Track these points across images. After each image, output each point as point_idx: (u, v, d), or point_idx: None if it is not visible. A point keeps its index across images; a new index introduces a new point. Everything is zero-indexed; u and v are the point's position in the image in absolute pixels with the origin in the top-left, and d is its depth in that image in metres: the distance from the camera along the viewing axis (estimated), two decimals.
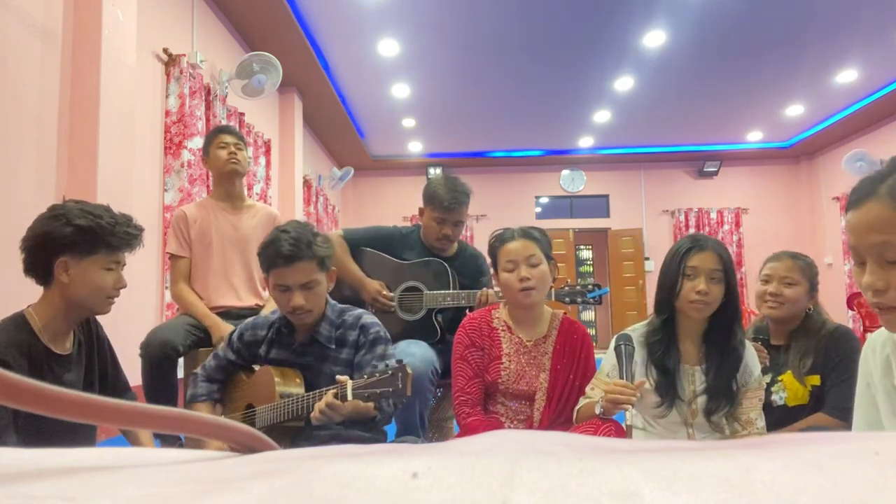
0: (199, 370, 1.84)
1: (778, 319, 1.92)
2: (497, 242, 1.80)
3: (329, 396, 1.44)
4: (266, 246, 1.64)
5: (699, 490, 0.20)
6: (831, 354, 1.82)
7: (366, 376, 1.44)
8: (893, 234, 0.83)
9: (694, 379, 1.59)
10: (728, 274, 1.54)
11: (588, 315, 11.13)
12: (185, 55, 4.08)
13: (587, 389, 1.66)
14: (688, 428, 1.58)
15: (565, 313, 1.90)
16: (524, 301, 1.74)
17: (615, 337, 1.59)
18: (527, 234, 1.78)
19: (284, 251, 1.58)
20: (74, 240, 1.42)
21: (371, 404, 1.48)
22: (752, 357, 1.62)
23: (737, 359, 1.57)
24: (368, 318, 1.72)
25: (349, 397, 1.42)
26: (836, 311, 8.23)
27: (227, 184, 2.45)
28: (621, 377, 1.46)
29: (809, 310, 1.93)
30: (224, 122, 4.54)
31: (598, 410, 1.46)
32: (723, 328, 1.57)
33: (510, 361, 1.76)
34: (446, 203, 2.24)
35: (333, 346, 1.68)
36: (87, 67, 2.99)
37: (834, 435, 0.31)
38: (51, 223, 1.42)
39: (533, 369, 1.76)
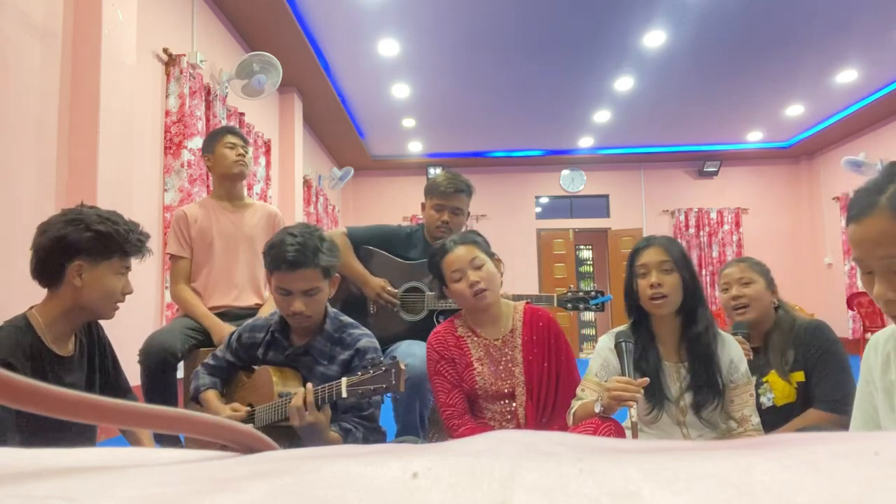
0: (200, 367, 1.84)
1: (751, 322, 1.94)
2: (438, 257, 1.81)
3: (298, 399, 1.45)
4: (271, 247, 1.59)
5: (699, 490, 0.20)
6: (809, 348, 1.84)
7: (360, 373, 1.44)
8: None
9: (679, 376, 1.60)
10: (680, 265, 1.57)
11: (588, 315, 11.12)
12: (185, 55, 4.08)
13: (578, 391, 1.66)
14: (681, 428, 1.58)
15: (528, 302, 1.90)
16: (480, 304, 1.76)
17: (614, 334, 1.58)
18: (465, 239, 1.81)
19: (289, 257, 1.53)
20: (93, 245, 1.43)
21: (337, 435, 1.52)
22: (738, 353, 1.62)
23: (710, 347, 1.57)
24: (366, 342, 1.68)
25: (343, 394, 1.43)
26: (836, 311, 8.23)
27: (230, 184, 2.46)
28: (623, 374, 1.46)
29: (776, 305, 1.95)
30: (224, 122, 4.54)
31: (597, 409, 1.46)
32: (690, 319, 1.59)
33: (482, 365, 1.77)
34: (443, 188, 2.28)
35: (325, 363, 1.68)
36: (87, 67, 2.99)
37: (833, 435, 0.31)
38: (68, 227, 1.42)
39: (506, 367, 1.76)
